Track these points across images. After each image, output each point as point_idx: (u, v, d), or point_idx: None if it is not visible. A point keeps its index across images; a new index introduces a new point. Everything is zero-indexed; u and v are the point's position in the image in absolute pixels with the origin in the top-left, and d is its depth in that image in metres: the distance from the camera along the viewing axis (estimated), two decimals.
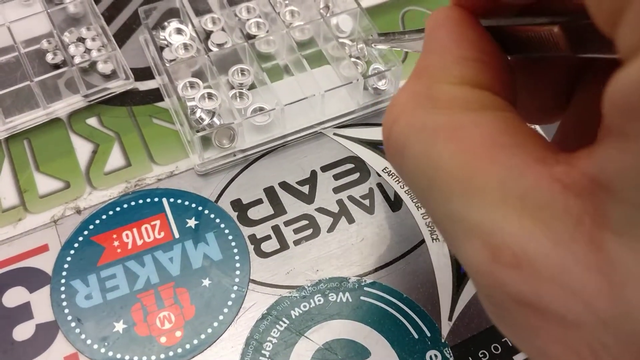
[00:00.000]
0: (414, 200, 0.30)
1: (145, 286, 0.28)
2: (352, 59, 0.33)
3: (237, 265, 0.29)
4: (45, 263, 0.29)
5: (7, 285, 0.29)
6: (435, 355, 0.26)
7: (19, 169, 0.32)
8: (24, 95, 0.33)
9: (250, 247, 0.29)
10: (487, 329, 0.27)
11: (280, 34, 0.34)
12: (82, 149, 0.33)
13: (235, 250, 0.29)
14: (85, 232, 0.30)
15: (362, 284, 0.28)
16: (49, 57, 0.35)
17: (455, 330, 0.27)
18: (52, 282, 0.29)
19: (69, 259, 0.29)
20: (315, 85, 0.32)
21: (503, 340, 0.27)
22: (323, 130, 0.33)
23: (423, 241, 0.29)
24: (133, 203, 0.31)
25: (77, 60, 0.35)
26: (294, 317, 0.27)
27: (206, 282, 0.28)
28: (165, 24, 0.35)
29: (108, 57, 0.34)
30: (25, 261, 0.29)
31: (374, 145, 0.32)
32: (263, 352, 0.27)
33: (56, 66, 0.35)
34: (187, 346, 0.27)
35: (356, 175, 0.31)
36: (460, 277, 0.28)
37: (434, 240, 0.29)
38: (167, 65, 0.32)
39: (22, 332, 0.27)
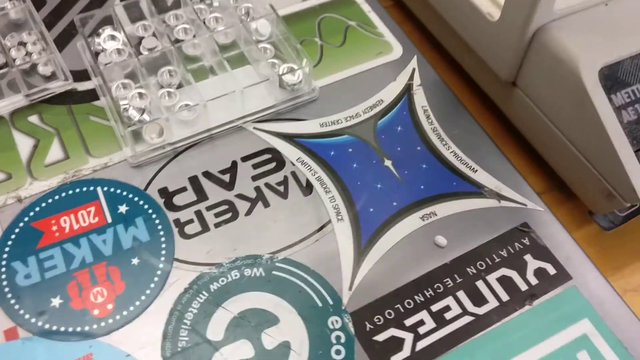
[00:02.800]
0: (323, 186, 0.33)
1: (81, 265, 0.31)
2: (270, 60, 0.36)
3: (163, 246, 0.31)
4: None
5: None
6: (336, 321, 0.29)
7: None
8: None
9: (175, 230, 0.32)
10: (383, 297, 0.30)
11: (204, 38, 0.36)
12: (24, 144, 0.35)
13: (162, 233, 0.32)
14: (26, 219, 0.32)
15: (274, 260, 0.31)
16: None
17: (354, 298, 0.30)
18: None
19: (9, 242, 0.31)
20: (237, 83, 0.35)
21: (396, 306, 0.30)
22: (244, 125, 0.35)
23: (329, 221, 0.32)
24: (70, 192, 0.33)
25: (18, 62, 0.36)
26: (212, 290, 0.30)
27: (135, 260, 0.31)
28: (100, 30, 0.37)
29: (48, 59, 0.36)
30: None
31: (289, 138, 0.35)
32: (185, 321, 0.29)
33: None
34: (117, 317, 0.29)
35: (272, 165, 0.34)
36: (360, 252, 0.31)
37: (339, 221, 0.32)
38: (102, 68, 0.34)
39: None
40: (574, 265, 0.31)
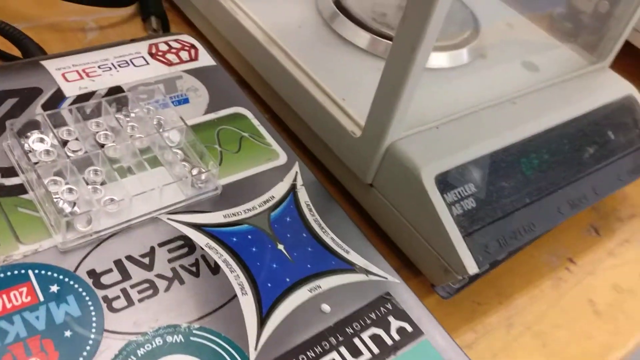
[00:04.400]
0: (229, 267, 0.40)
1: (15, 339, 0.34)
2: (181, 162, 0.43)
3: (94, 319, 0.36)
4: None
5: None
6: None
7: None
8: None
9: (104, 305, 0.37)
10: (281, 355, 0.37)
11: (124, 144, 0.43)
12: None
13: (92, 308, 0.36)
14: None
15: (191, 328, 0.37)
16: None
17: (260, 356, 0.36)
18: None
19: None
20: (154, 181, 0.41)
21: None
22: (159, 216, 0.41)
23: (235, 295, 0.39)
24: (2, 275, 0.37)
25: None
26: (140, 355, 0.35)
27: (68, 333, 0.35)
28: (29, 134, 0.42)
29: None
30: None
31: (198, 227, 0.42)
32: None
33: None
34: None
35: (185, 250, 0.40)
36: (262, 320, 0.38)
37: (243, 295, 0.39)
38: (36, 166, 0.39)
39: None
40: (425, 324, 0.40)
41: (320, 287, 0.40)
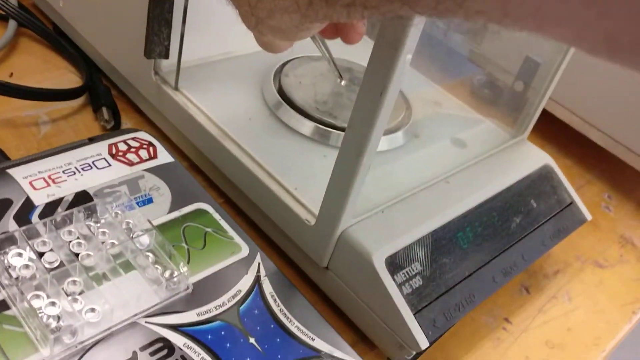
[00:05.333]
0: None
1: None
2: (153, 265, 0.47)
3: None
4: None
5: None
6: None
7: None
8: None
9: None
10: None
11: (98, 253, 0.47)
12: None
13: None
14: None
15: None
16: None
17: None
18: None
19: None
20: (129, 286, 0.45)
21: None
22: (138, 320, 0.45)
23: None
24: None
25: None
26: None
27: None
28: (7, 249, 0.46)
29: None
30: None
31: (174, 328, 0.46)
32: None
33: None
34: None
35: (165, 351, 0.44)
36: None
37: None
38: (17, 282, 0.43)
39: None
40: None
41: None
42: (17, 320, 0.43)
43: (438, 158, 0.63)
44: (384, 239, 0.53)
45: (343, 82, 0.66)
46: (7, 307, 0.44)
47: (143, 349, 0.44)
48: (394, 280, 0.51)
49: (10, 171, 0.52)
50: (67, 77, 0.70)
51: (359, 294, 0.53)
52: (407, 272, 0.53)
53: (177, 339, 0.45)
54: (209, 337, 0.45)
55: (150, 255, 0.48)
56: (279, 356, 0.46)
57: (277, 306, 0.49)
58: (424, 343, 0.49)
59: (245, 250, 0.52)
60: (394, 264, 0.52)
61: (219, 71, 0.67)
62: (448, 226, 0.56)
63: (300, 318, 0.48)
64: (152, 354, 0.44)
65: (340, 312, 0.54)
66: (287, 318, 0.48)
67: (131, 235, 0.48)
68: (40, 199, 0.50)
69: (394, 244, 0.53)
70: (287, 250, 0.58)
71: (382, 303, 0.51)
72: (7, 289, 0.44)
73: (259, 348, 0.46)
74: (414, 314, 0.50)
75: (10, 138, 0.62)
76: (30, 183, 0.51)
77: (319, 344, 0.47)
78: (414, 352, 0.50)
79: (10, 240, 0.46)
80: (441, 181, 0.60)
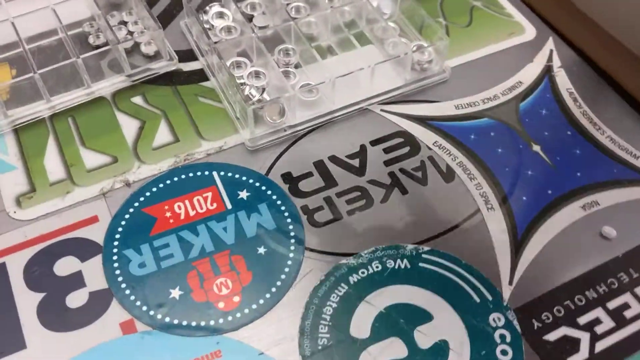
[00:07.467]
0: (467, 172, 0.31)
1: (201, 254, 0.28)
2: (397, 38, 0.34)
3: (292, 234, 0.29)
4: (96, 233, 0.29)
5: (58, 255, 0.29)
6: (499, 318, 0.27)
7: (64, 145, 0.32)
8: (67, 74, 0.34)
9: (304, 217, 0.30)
10: (549, 292, 0.27)
11: (322, 15, 0.35)
12: (129, 125, 0.33)
13: (289, 220, 0.30)
14: (136, 204, 0.30)
15: (420, 251, 0.28)
16: (91, 40, 0.36)
17: (517, 294, 0.27)
18: (104, 251, 0.29)
19: (120, 229, 0.29)
20: (362, 61, 0.33)
21: (565, 302, 0.27)
22: (370, 107, 0.33)
23: (478, 210, 0.30)
24: (183, 176, 0.31)
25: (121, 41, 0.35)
26: (352, 282, 0.27)
27: (262, 250, 0.29)
28: (207, 8, 0.36)
29: (151, 38, 0.35)
30: (75, 232, 0.29)
31: (422, 120, 0.33)
32: (323, 316, 0.27)
33: (98, 48, 0.35)
34: (246, 310, 0.27)
35: (406, 149, 0.32)
36: (517, 244, 0.28)
37: (489, 210, 0.30)
38: (216, 44, 0.33)
39: (75, 299, 0.27)
40: None
41: (598, 203, 0.30)
42: (216, 94, 0.34)
43: None
44: None
45: None
46: (206, 78, 0.34)
47: (375, 142, 0.32)
48: None
49: None
50: None
51: None
52: None
53: (425, 135, 0.32)
54: (472, 136, 0.32)
55: (393, 26, 0.35)
56: (577, 173, 0.30)
57: (577, 107, 0.33)
58: None
59: (530, 32, 0.37)
60: None
61: None
62: None
63: (616, 126, 0.32)
64: (388, 150, 0.32)
65: None
66: (594, 124, 0.32)
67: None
68: None
69: None
70: (590, 50, 0.41)
71: None
72: (206, 56, 0.34)
73: (547, 160, 0.31)
74: None
75: None
76: None
77: None
78: None
79: None
80: None
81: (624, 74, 0.37)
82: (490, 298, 0.27)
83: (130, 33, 0.36)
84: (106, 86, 0.34)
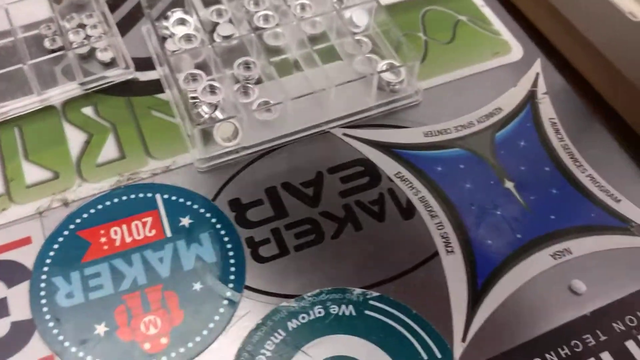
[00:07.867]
0: (428, 209, 0.28)
1: (132, 287, 0.27)
2: (367, 55, 0.32)
3: (232, 269, 0.27)
4: (26, 257, 0.28)
5: None
6: None
7: (6, 157, 0.30)
8: (18, 80, 0.32)
9: (247, 251, 0.28)
10: (505, 352, 0.25)
11: (290, 27, 0.32)
12: (75, 138, 0.31)
13: (231, 254, 0.28)
14: (72, 226, 0.28)
15: (367, 296, 0.26)
16: (47, 43, 0.34)
17: (469, 353, 0.25)
18: (33, 277, 0.27)
19: (51, 253, 0.28)
20: (327, 80, 0.30)
21: None
22: (332, 130, 0.31)
23: (436, 253, 0.27)
24: (124, 197, 0.29)
25: (75, 45, 0.33)
26: (291, 329, 0.25)
27: (197, 286, 0.27)
28: (169, 13, 0.34)
29: (108, 44, 0.33)
30: (6, 254, 0.28)
31: (386, 148, 0.30)
32: None
33: (54, 52, 0.33)
34: (173, 354, 0.25)
35: (365, 179, 0.29)
36: (476, 295, 0.26)
37: (448, 253, 0.27)
38: (169, 55, 0.31)
39: None
40: None
41: (570, 251, 0.27)
42: (170, 108, 0.31)
43: None
44: None
45: None
46: (161, 90, 0.32)
47: (333, 170, 0.30)
48: None
49: None
50: None
51: None
52: None
53: (387, 164, 0.29)
54: (438, 168, 0.29)
55: (366, 40, 0.33)
56: (552, 216, 0.28)
57: (559, 140, 0.30)
58: None
59: (517, 52, 0.34)
60: None
61: None
62: None
63: (598, 164, 0.30)
64: (346, 179, 0.30)
65: None
66: (575, 161, 0.30)
67: (341, 7, 0.33)
68: None
69: None
70: (582, 68, 0.38)
71: None
72: (163, 65, 0.32)
73: (520, 199, 0.28)
74: None
75: None
76: None
77: (628, 209, 0.28)
78: None
79: (175, 2, 0.34)
80: None
81: (623, 102, 0.34)
82: (439, 356, 0.25)
83: (88, 38, 0.34)
84: (57, 94, 0.32)
